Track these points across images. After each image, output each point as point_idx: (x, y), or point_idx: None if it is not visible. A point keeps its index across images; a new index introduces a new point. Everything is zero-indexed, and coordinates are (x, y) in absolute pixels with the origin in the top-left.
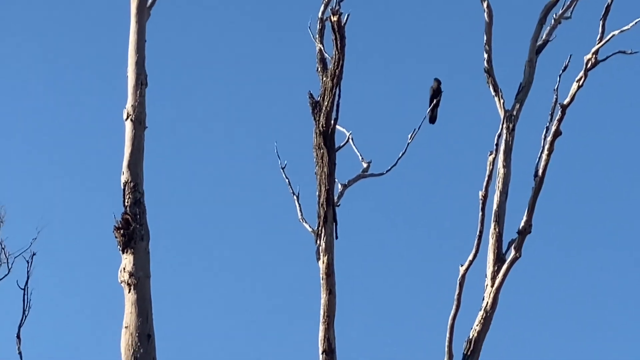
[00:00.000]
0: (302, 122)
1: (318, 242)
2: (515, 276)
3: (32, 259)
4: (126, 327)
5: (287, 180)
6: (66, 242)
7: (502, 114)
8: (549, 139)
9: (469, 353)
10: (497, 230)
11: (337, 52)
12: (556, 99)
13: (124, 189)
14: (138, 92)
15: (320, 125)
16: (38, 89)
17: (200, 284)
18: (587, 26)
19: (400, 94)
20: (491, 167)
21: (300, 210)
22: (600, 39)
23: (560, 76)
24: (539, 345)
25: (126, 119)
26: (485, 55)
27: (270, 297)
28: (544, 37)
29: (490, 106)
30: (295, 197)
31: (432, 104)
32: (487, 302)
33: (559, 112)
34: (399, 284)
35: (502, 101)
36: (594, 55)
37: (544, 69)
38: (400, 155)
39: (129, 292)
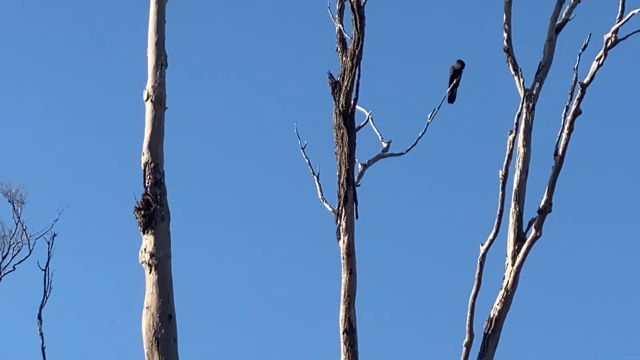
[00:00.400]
0: (322, 102)
1: (338, 221)
2: (536, 255)
3: (52, 240)
4: (147, 308)
5: (307, 161)
6: (87, 224)
7: (521, 93)
8: (568, 118)
9: (489, 332)
10: (517, 209)
11: (356, 32)
12: (576, 78)
13: (144, 170)
14: (158, 73)
15: (340, 105)
16: (59, 71)
17: (221, 264)
18: (606, 5)
19: (420, 74)
20: (511, 146)
21: (321, 190)
22: (620, 18)
23: (580, 55)
24: (560, 324)
25: (146, 100)
26: (505, 35)
27: (291, 277)
28: (563, 16)
29: (510, 85)
30: (315, 177)
31: (452, 84)
32: (508, 281)
33: (579, 91)
34: (419, 263)
35: (521, 80)
36: (613, 34)
37: (564, 48)
38: (420, 135)
39: (150, 272)
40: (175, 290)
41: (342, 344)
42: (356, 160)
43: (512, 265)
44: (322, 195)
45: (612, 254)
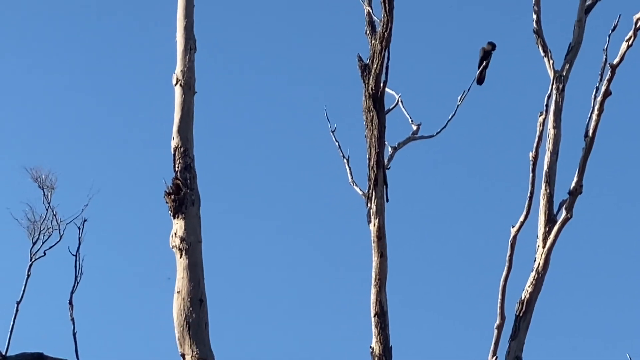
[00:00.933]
0: (351, 85)
1: (369, 205)
2: (567, 237)
3: (83, 225)
4: (178, 292)
5: (337, 144)
6: (117, 209)
7: (551, 74)
8: (598, 99)
9: (521, 314)
10: (548, 191)
11: (385, 15)
12: (605, 58)
13: (174, 154)
14: (187, 58)
15: (370, 88)
16: (88, 55)
17: (251, 248)
18: None
19: (450, 56)
20: (541, 128)
21: (351, 174)
22: None
23: (609, 36)
24: (591, 306)
25: (175, 84)
26: (535, 16)
27: (322, 260)
28: None
29: (539, 67)
30: (345, 161)
31: (482, 66)
32: (539, 263)
33: (609, 72)
34: (449, 246)
35: (551, 62)
36: None
37: (593, 29)
38: (449, 117)
39: (181, 257)
40: (205, 275)
41: (373, 327)
42: (386, 143)
43: (543, 247)
44: (352, 178)
45: None
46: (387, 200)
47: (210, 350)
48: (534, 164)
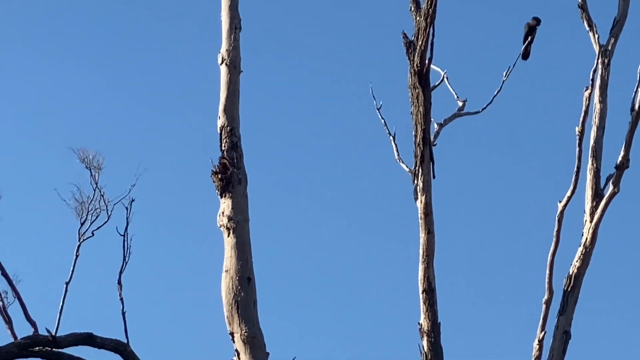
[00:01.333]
0: (396, 62)
1: (415, 181)
2: (614, 211)
3: (131, 205)
4: (226, 271)
5: (383, 121)
6: (164, 188)
7: (596, 49)
8: None
9: (569, 289)
10: (594, 165)
11: None
12: None
13: (220, 134)
14: (232, 37)
15: (415, 64)
16: (133, 34)
17: (298, 226)
18: None
19: (494, 32)
20: (587, 102)
21: (397, 151)
22: None
23: None
24: (638, 280)
25: (221, 64)
26: None
27: (369, 238)
28: None
29: (585, 41)
30: (391, 138)
31: (527, 41)
32: (586, 238)
33: None
34: (496, 221)
35: (596, 36)
36: None
37: (639, 2)
38: (495, 93)
39: (228, 236)
40: (253, 253)
41: (421, 303)
42: (432, 119)
43: (590, 222)
44: (398, 155)
45: None
46: (434, 177)
47: (259, 329)
48: (580, 139)
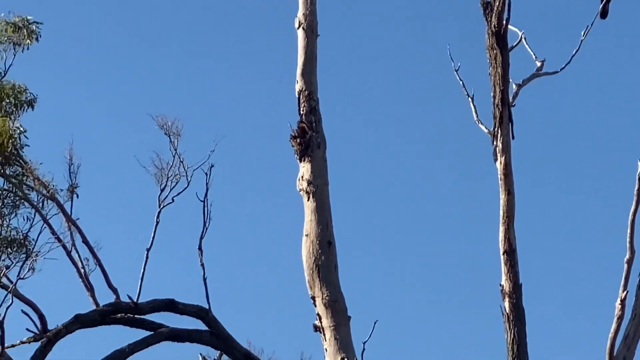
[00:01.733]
0: (474, 23)
1: (495, 142)
2: None
3: (210, 171)
4: (306, 235)
5: (461, 83)
6: (243, 153)
7: None
8: None
9: None
10: None
11: None
12: None
13: (298, 98)
14: (309, 1)
15: (493, 25)
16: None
17: (378, 190)
18: None
19: None
20: None
21: (476, 112)
22: None
23: None
24: None
25: (298, 28)
26: None
27: (449, 199)
28: None
29: None
30: (470, 99)
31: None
32: None
33: None
34: (576, 181)
35: None
36: None
37: None
38: (573, 52)
39: (308, 200)
40: (333, 217)
41: (502, 264)
42: (510, 80)
43: None
44: (477, 116)
45: None
46: (513, 138)
47: (340, 292)
48: None
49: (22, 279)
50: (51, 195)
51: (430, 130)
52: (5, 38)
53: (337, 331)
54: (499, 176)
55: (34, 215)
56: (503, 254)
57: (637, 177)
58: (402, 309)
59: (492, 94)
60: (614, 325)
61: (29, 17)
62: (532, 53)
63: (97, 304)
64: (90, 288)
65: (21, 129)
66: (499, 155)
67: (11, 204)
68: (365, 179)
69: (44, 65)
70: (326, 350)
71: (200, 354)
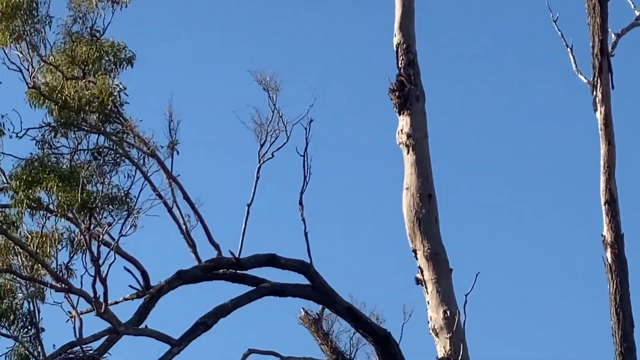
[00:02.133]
0: None
1: (594, 93)
2: None
3: (309, 125)
4: (407, 189)
5: (559, 33)
6: (342, 107)
7: None
8: None
9: None
10: None
11: None
12: None
13: (396, 51)
14: None
15: None
16: None
17: (476, 140)
18: None
19: None
20: None
21: (575, 62)
22: None
23: None
24: None
25: None
26: None
27: (548, 150)
28: None
29: None
30: (569, 50)
31: None
32: None
33: None
34: None
35: None
36: None
37: None
38: None
39: (408, 153)
40: (433, 170)
41: (604, 215)
42: (609, 30)
43: None
44: (576, 67)
45: None
46: (613, 88)
47: (441, 245)
48: None
49: (124, 236)
50: (152, 152)
51: (528, 82)
52: None
53: (438, 284)
54: (599, 126)
55: (134, 172)
56: (604, 204)
57: None
58: (504, 261)
59: (591, 44)
60: None
61: None
62: (630, 2)
63: (199, 260)
64: (191, 244)
65: (121, 86)
66: (598, 105)
67: (112, 161)
68: (464, 132)
69: (142, 23)
70: (428, 302)
71: (303, 309)
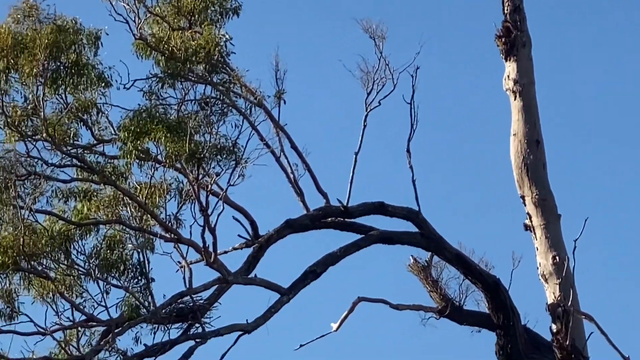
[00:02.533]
0: None
1: None
2: None
3: (416, 73)
4: (514, 135)
5: None
6: (449, 54)
7: None
8: None
9: None
10: None
11: None
12: None
13: None
14: None
15: None
16: None
17: (585, 87)
18: None
19: None
20: None
21: None
22: None
23: None
24: None
25: None
26: None
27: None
28: None
29: None
30: None
31: None
32: None
33: None
34: None
35: None
36: None
37: None
38: None
39: (515, 99)
40: (540, 116)
41: None
42: None
43: None
44: None
45: None
46: None
47: (549, 191)
48: None
49: (232, 185)
50: (258, 101)
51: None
52: None
53: (547, 229)
54: None
55: (242, 122)
56: None
57: None
58: (613, 206)
59: None
60: None
61: None
62: None
63: (307, 209)
64: (300, 193)
65: (227, 36)
66: None
67: (219, 111)
68: (572, 78)
69: None
70: (537, 248)
71: (412, 256)
